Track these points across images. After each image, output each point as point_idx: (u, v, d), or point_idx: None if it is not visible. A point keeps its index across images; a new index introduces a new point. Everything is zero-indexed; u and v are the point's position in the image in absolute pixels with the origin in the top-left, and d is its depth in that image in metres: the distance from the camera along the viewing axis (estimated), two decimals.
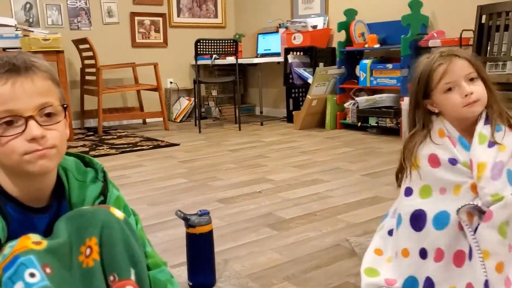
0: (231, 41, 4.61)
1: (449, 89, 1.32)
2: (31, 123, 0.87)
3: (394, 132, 3.92)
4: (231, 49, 4.63)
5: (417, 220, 1.34)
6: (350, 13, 4.35)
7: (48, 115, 0.90)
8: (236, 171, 2.95)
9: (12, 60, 0.89)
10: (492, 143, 1.32)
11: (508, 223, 1.23)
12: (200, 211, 1.44)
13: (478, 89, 1.33)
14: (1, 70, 0.88)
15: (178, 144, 3.90)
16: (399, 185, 1.51)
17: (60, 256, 0.90)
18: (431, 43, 3.72)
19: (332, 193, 2.42)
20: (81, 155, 1.06)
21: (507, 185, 1.27)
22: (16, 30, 3.94)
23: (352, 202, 2.25)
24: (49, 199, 0.98)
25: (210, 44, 4.54)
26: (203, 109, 5.73)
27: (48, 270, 0.86)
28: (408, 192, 1.46)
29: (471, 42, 3.52)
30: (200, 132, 4.54)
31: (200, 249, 1.41)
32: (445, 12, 3.87)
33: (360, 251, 1.66)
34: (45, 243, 0.89)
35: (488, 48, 3.40)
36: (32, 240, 0.88)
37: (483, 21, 3.45)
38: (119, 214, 0.97)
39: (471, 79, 1.33)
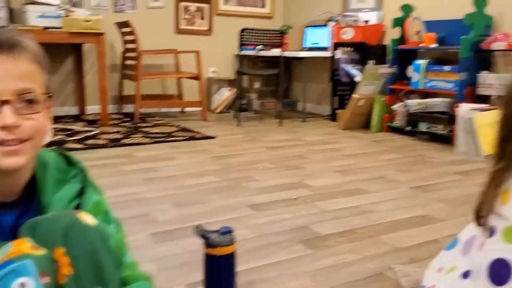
0: (278, 32, 4.40)
1: None
2: (6, 108, 0.75)
3: (446, 140, 3.61)
4: (277, 41, 4.42)
5: (498, 271, 1.08)
6: (407, 9, 4.04)
7: (29, 102, 0.78)
8: (273, 172, 2.75)
9: None
10: None
11: None
12: (222, 228, 1.25)
13: None
14: None
15: (214, 137, 3.73)
16: (479, 224, 1.19)
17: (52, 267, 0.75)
18: (494, 46, 3.38)
19: (376, 207, 2.18)
20: (66, 153, 0.92)
21: None
22: (59, 9, 3.86)
23: (399, 220, 2.01)
24: (19, 194, 0.84)
25: (255, 34, 4.35)
26: (244, 101, 5.55)
27: (46, 280, 0.72)
28: (492, 232, 1.19)
29: None
30: (239, 125, 4.36)
31: (220, 274, 1.23)
32: None
33: (407, 285, 1.43)
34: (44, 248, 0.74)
35: None
36: (30, 244, 0.74)
37: None
38: (89, 220, 0.80)
39: None
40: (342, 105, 4.59)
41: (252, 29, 4.30)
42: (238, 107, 4.62)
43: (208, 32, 5.30)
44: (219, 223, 1.93)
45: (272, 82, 5.39)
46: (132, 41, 4.34)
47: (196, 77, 4.54)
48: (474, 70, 3.53)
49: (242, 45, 4.31)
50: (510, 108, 1.09)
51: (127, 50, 4.63)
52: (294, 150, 3.38)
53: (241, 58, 5.38)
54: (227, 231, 1.22)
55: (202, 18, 5.25)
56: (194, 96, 4.80)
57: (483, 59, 3.59)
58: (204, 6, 5.23)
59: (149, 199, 2.22)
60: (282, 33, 4.39)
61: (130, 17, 4.53)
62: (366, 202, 2.24)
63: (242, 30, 4.23)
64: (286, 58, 4.78)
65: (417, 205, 2.21)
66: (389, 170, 2.85)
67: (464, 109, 3.26)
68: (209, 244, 1.21)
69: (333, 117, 4.65)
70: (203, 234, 1.20)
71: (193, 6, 5.17)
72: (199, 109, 4.70)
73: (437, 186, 2.51)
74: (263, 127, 4.34)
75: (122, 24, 4.45)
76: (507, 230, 1.13)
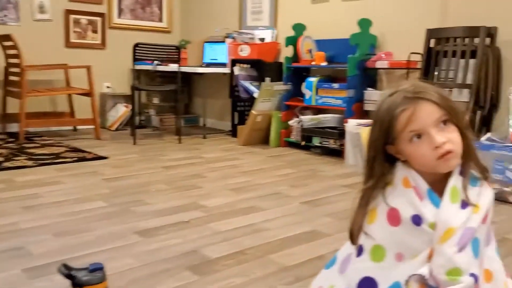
0: (173, 47, 4.34)
1: (417, 138, 1.07)
2: None
3: (337, 153, 3.77)
4: (174, 56, 4.36)
5: None
6: (299, 28, 4.19)
7: None
8: (167, 194, 2.68)
9: None
10: (465, 204, 1.08)
11: None
12: (92, 264, 1.16)
13: (452, 137, 1.07)
14: None
15: (106, 158, 3.57)
16: (353, 243, 1.22)
17: None
18: (378, 64, 3.61)
19: (268, 224, 2.20)
20: None
21: (472, 260, 1.04)
22: None
23: (287, 238, 2.04)
24: None
25: (150, 48, 4.25)
26: (143, 118, 5.41)
27: None
28: (359, 251, 1.22)
29: (419, 66, 3.43)
30: (134, 143, 4.22)
31: None
32: (394, 33, 3.78)
33: None
34: None
35: (436, 73, 3.32)
36: None
37: (432, 45, 3.37)
38: None
39: (444, 122, 1.07)
40: (242, 121, 4.63)
41: (146, 44, 4.20)
42: (135, 124, 4.48)
43: (101, 46, 5.10)
44: (102, 253, 1.83)
45: (171, 98, 5.30)
46: (15, 56, 4.04)
47: (87, 93, 4.33)
48: (361, 87, 3.74)
49: (137, 59, 4.19)
50: (377, 129, 1.12)
51: (10, 65, 4.30)
52: (192, 168, 3.33)
53: (138, 73, 5.25)
54: (97, 268, 1.14)
55: (95, 31, 5.04)
56: (87, 113, 4.57)
57: (369, 77, 3.82)
58: (97, 19, 5.03)
59: (26, 230, 2.04)
60: (178, 48, 4.34)
61: (14, 30, 4.23)
62: (259, 220, 2.25)
63: (135, 45, 4.12)
64: (185, 73, 4.74)
65: (306, 220, 2.27)
66: (283, 185, 2.90)
67: (351, 124, 3.43)
68: (75, 283, 1.12)
69: (233, 133, 4.67)
70: (68, 274, 1.11)
71: (84, 19, 4.95)
72: (92, 127, 4.48)
73: (325, 200, 2.59)
74: (161, 145, 4.24)
75: (3, 38, 4.13)
76: (374, 249, 1.17)
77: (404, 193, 1.12)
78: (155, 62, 4.80)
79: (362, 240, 1.19)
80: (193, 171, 3.23)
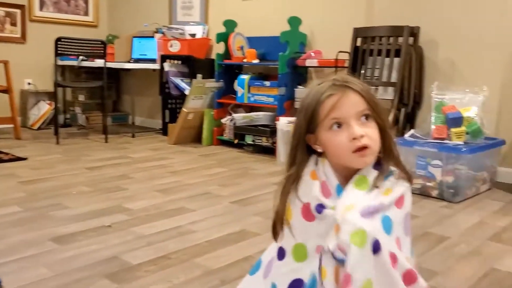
0: (98, 42, 4.14)
1: (337, 126, 1.06)
2: None
3: (270, 151, 3.77)
4: (99, 51, 4.16)
5: None
6: (230, 25, 4.14)
7: None
8: (89, 196, 2.54)
9: None
10: (373, 189, 1.08)
11: (371, 281, 0.98)
12: None
13: (371, 133, 1.07)
14: None
15: (25, 159, 3.34)
16: (275, 237, 1.19)
17: None
18: (308, 63, 3.63)
19: (195, 226, 2.13)
20: None
21: (381, 231, 1.01)
22: None
23: (215, 239, 1.98)
24: None
25: (74, 43, 4.04)
26: (68, 116, 5.14)
27: None
28: (281, 254, 1.18)
29: (346, 64, 3.48)
30: (58, 143, 3.99)
31: None
32: (323, 32, 3.82)
33: None
34: None
35: (362, 71, 3.38)
36: None
37: (358, 44, 3.44)
38: None
39: (366, 117, 1.07)
40: (173, 119, 4.51)
41: (69, 38, 3.98)
42: (58, 122, 4.24)
43: (21, 40, 4.79)
44: (12, 263, 1.69)
45: (98, 95, 5.07)
46: None
47: (5, 90, 4.04)
48: (291, 85, 3.75)
49: (59, 55, 3.97)
50: (302, 115, 1.11)
51: None
52: (118, 169, 3.19)
53: (63, 69, 4.99)
54: None
55: (14, 24, 4.71)
56: (6, 111, 4.27)
57: (300, 75, 3.84)
58: (16, 11, 4.71)
59: None
60: (103, 42, 4.15)
61: None
62: (186, 222, 2.18)
63: (57, 40, 3.89)
64: (113, 69, 4.55)
65: (235, 220, 2.22)
66: (213, 185, 2.84)
67: (283, 122, 3.43)
68: None
69: (164, 131, 4.55)
70: None
71: (1, 10, 4.61)
72: (11, 126, 4.18)
73: (255, 199, 2.56)
74: (86, 144, 4.05)
75: None
76: (295, 248, 1.14)
77: (312, 185, 1.11)
78: (80, 57, 4.57)
79: (281, 242, 1.16)
80: (119, 172, 3.09)
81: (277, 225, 1.17)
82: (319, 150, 1.13)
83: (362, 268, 0.97)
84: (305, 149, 1.14)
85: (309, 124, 1.10)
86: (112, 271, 1.65)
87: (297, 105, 3.73)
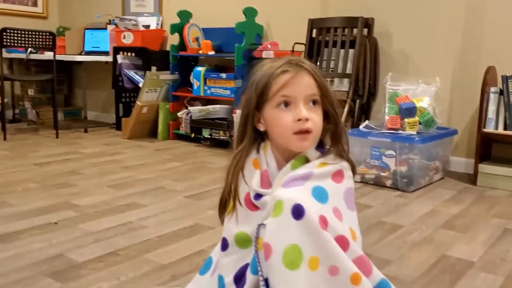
0: (47, 33, 3.97)
1: (285, 105, 1.06)
2: None
3: (227, 145, 3.72)
4: (48, 43, 3.99)
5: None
6: (185, 15, 4.05)
7: None
8: (35, 193, 2.41)
9: None
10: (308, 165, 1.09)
11: (297, 246, 0.96)
12: None
13: (316, 119, 1.07)
14: None
15: None
16: (221, 214, 1.21)
17: None
18: (264, 54, 3.59)
19: (146, 222, 2.06)
20: None
21: (307, 195, 1.00)
22: None
23: (167, 234, 1.92)
24: None
25: (21, 35, 3.85)
26: (17, 111, 4.92)
27: None
28: (224, 244, 1.15)
29: (302, 56, 3.47)
30: (5, 139, 3.80)
31: None
32: (279, 23, 3.80)
33: None
34: None
35: (318, 63, 3.38)
36: None
37: (314, 35, 3.43)
38: None
39: (314, 103, 1.08)
40: (128, 113, 4.38)
41: (16, 29, 3.80)
42: (5, 117, 4.04)
43: None
44: None
45: (49, 89, 4.87)
46: None
47: None
48: (248, 77, 3.70)
49: (5, 46, 3.78)
50: (253, 89, 1.11)
51: None
52: (68, 165, 3.06)
53: (10, 62, 4.78)
54: None
55: None
56: None
57: None
58: None
59: None
60: (52, 34, 3.98)
61: None
62: (137, 218, 2.10)
63: (3, 30, 3.70)
64: (64, 62, 4.39)
65: (189, 215, 2.16)
66: (167, 180, 2.77)
67: (239, 115, 3.37)
68: None
69: (118, 126, 4.41)
70: None
71: None
72: None
73: (211, 193, 2.51)
74: (36, 140, 3.87)
75: None
76: (238, 236, 1.11)
77: (253, 175, 1.11)
78: (29, 49, 4.37)
79: (224, 232, 1.14)
80: (68, 168, 2.97)
81: (223, 200, 1.18)
82: (262, 129, 1.12)
83: (280, 237, 0.96)
84: (253, 125, 1.13)
85: (259, 99, 1.09)
86: (56, 270, 1.56)
87: None
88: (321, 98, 1.09)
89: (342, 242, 0.99)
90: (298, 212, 0.96)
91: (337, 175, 1.08)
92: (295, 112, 1.05)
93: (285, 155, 1.11)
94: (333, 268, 0.97)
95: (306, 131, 1.05)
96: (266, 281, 0.99)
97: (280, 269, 0.95)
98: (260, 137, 1.16)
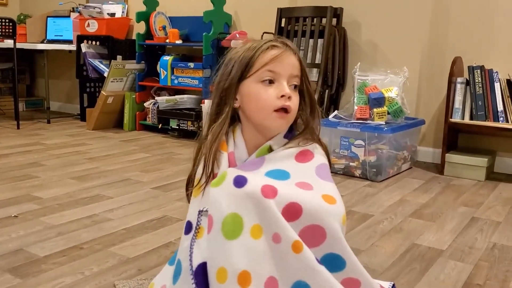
0: (7, 20, 3.80)
1: (269, 82, 1.06)
2: None
3: (195, 135, 3.64)
4: (8, 31, 3.82)
5: (205, 276, 1.00)
6: (151, 3, 3.94)
7: None
8: None
9: None
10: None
11: (237, 215, 0.95)
12: None
13: (295, 101, 1.09)
14: None
15: None
16: (188, 200, 1.17)
17: None
18: (233, 44, 3.54)
19: (111, 214, 1.99)
20: None
21: (260, 176, 1.01)
22: None
23: (133, 227, 1.86)
24: None
25: None
26: None
27: None
28: (188, 227, 1.12)
29: None
30: None
31: None
32: (248, 12, 3.75)
33: None
34: None
35: None
36: None
37: (283, 24, 3.39)
38: None
39: (295, 87, 1.09)
40: (93, 103, 4.25)
41: None
42: None
43: None
44: None
45: (10, 78, 4.68)
46: None
47: None
48: (219, 62, 3.64)
49: None
50: (236, 65, 1.09)
51: None
52: (29, 156, 2.94)
53: None
54: None
55: None
56: None
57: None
58: None
59: None
60: (12, 21, 3.81)
61: None
62: (102, 210, 2.03)
63: None
64: (25, 51, 4.22)
65: (156, 206, 2.10)
66: (133, 171, 2.69)
67: (208, 105, 3.32)
68: None
69: (83, 116, 4.28)
70: None
71: None
72: None
73: (178, 184, 2.45)
74: None
75: None
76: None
77: (221, 157, 1.10)
78: None
79: (188, 216, 1.11)
80: (29, 160, 2.85)
81: (197, 181, 1.12)
82: (236, 105, 1.10)
83: (220, 206, 0.96)
84: (232, 102, 1.10)
85: (242, 73, 1.08)
86: (15, 265, 1.48)
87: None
88: (301, 78, 1.11)
89: (293, 208, 0.98)
90: (239, 181, 0.96)
91: (301, 155, 1.09)
92: (279, 88, 1.06)
93: (253, 141, 1.10)
94: (275, 235, 0.96)
95: (286, 111, 1.06)
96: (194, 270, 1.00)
97: (218, 239, 0.95)
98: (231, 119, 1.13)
